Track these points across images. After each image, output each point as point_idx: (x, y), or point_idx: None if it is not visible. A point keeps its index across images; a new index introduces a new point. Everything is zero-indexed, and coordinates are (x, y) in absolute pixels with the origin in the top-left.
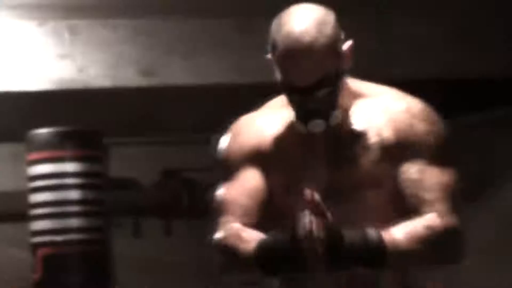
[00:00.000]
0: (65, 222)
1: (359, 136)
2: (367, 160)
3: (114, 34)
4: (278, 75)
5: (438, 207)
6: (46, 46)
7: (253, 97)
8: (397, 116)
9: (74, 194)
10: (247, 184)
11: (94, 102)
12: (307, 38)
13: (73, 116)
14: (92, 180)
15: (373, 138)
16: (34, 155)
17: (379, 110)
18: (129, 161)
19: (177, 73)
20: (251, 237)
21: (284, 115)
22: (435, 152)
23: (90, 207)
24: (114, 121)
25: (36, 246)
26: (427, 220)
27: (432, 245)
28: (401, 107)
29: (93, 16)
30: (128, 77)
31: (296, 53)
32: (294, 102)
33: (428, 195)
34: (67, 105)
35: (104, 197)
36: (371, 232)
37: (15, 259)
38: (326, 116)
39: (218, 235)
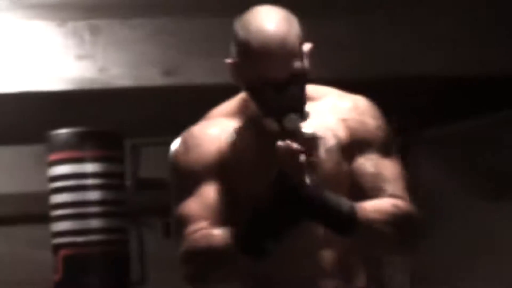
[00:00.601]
0: (85, 223)
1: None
2: (330, 162)
3: (135, 33)
4: (245, 75)
5: (399, 195)
6: (66, 46)
7: None
8: (347, 115)
9: (94, 195)
10: (210, 198)
11: (116, 102)
12: (280, 31)
13: (94, 117)
14: (112, 181)
15: (331, 140)
16: (54, 156)
17: (327, 111)
18: (154, 161)
19: (199, 72)
20: (223, 230)
21: (232, 124)
22: (386, 146)
23: (111, 208)
24: (137, 121)
25: (57, 247)
26: (394, 201)
27: (398, 221)
28: (348, 106)
29: (113, 15)
30: (150, 76)
31: (272, 46)
32: (266, 100)
33: (387, 186)
34: (89, 105)
35: (126, 198)
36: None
37: (37, 260)
38: (300, 112)
39: (185, 244)
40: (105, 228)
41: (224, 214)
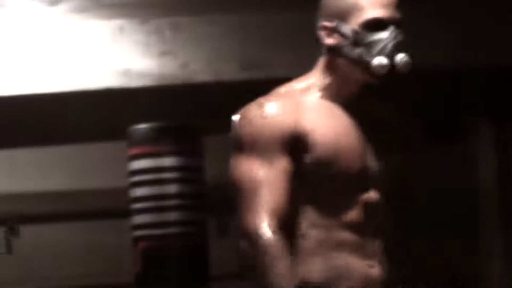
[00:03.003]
0: (163, 216)
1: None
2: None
3: (214, 29)
4: (352, 27)
5: None
6: (148, 43)
7: None
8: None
9: (172, 188)
10: (284, 168)
11: (197, 97)
12: None
13: (175, 112)
14: (190, 175)
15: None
16: (134, 151)
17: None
18: None
19: (278, 66)
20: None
21: (305, 99)
22: None
23: (188, 201)
24: (218, 116)
25: (136, 240)
26: None
27: None
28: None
29: (193, 12)
30: (230, 71)
31: None
32: (376, 42)
33: None
34: (170, 101)
35: (204, 191)
36: None
37: (122, 253)
38: (410, 55)
39: (265, 234)
40: (183, 221)
41: (290, 189)
